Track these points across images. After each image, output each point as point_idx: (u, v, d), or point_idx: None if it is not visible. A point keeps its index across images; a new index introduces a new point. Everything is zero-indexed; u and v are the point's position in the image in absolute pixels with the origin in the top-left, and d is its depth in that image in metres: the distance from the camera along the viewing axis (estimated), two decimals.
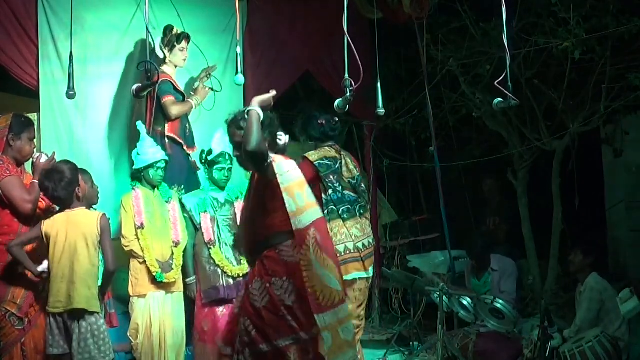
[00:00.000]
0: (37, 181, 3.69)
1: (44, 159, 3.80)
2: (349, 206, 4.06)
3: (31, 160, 3.88)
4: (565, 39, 5.16)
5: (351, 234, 3.99)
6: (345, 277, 3.62)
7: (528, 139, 6.19)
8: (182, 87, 5.08)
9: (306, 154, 4.14)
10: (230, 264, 4.45)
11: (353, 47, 3.40)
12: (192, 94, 5.05)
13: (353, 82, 3.47)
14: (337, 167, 4.12)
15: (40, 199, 3.76)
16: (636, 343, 4.62)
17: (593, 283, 4.69)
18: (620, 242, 6.38)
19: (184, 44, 4.95)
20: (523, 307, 5.70)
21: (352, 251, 3.97)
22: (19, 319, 3.67)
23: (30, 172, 3.89)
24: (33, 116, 4.75)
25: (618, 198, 6.46)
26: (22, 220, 3.69)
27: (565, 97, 5.73)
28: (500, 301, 4.65)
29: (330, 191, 4.03)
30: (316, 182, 3.98)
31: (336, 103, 3.57)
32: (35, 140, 3.92)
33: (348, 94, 3.47)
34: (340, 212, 4.01)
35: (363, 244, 4.03)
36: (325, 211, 3.89)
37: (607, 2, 5.16)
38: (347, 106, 3.55)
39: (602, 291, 4.66)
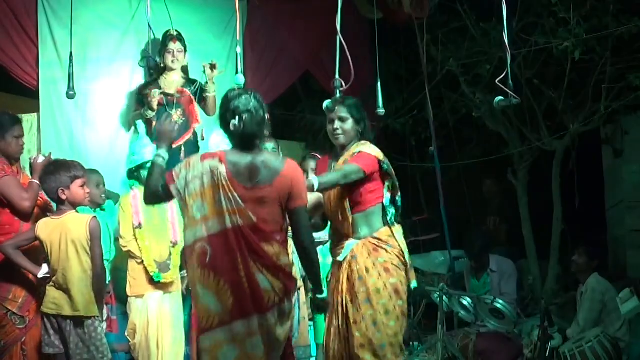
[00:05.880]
0: (35, 181, 3.69)
1: (41, 159, 3.80)
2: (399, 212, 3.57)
3: (29, 161, 3.88)
4: (565, 39, 5.17)
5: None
6: (414, 285, 3.41)
7: (528, 139, 6.19)
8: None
9: (365, 146, 3.42)
10: None
11: (346, 48, 3.37)
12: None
13: (343, 83, 3.41)
14: (389, 166, 3.49)
15: (39, 197, 3.76)
16: (636, 343, 4.62)
17: (595, 284, 4.69)
18: (620, 242, 6.38)
19: (171, 45, 4.92)
20: (523, 307, 5.70)
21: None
22: (20, 317, 3.67)
23: (28, 173, 3.89)
24: (33, 116, 4.76)
25: (618, 198, 6.46)
26: (22, 219, 3.70)
27: (565, 97, 5.73)
28: (500, 301, 4.64)
29: (399, 193, 3.46)
30: (376, 177, 3.41)
31: (325, 104, 3.45)
32: (34, 139, 3.92)
33: (338, 94, 3.39)
34: (397, 217, 3.45)
35: None
36: (391, 214, 3.39)
37: (607, 2, 5.16)
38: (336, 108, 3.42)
39: (604, 292, 4.66)
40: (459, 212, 6.74)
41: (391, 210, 3.37)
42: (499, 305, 4.59)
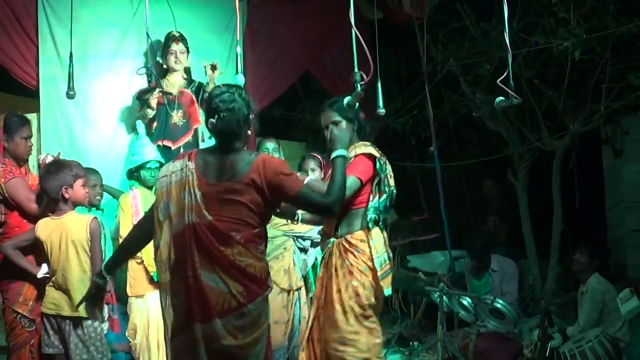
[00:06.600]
0: None
1: (49, 159, 3.82)
2: (386, 217, 3.46)
3: (37, 161, 3.89)
4: (565, 39, 5.17)
5: (386, 243, 3.40)
6: (387, 292, 3.32)
7: (528, 139, 6.20)
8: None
9: (364, 148, 3.37)
10: None
11: (362, 40, 3.25)
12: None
13: (364, 75, 3.19)
14: (388, 169, 3.43)
15: None
16: (636, 343, 4.62)
17: (595, 284, 4.69)
18: (620, 242, 6.38)
19: (173, 46, 4.93)
20: (523, 307, 5.69)
21: (389, 262, 3.39)
22: (30, 320, 3.68)
23: (36, 173, 3.89)
24: (33, 116, 4.76)
25: (618, 198, 6.47)
26: (31, 220, 3.70)
27: (565, 97, 5.73)
28: (500, 301, 4.64)
29: (385, 196, 3.36)
30: (368, 182, 3.36)
31: (346, 100, 3.34)
32: (34, 139, 3.92)
33: (359, 88, 3.20)
34: (382, 222, 3.38)
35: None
36: (373, 216, 3.32)
37: (607, 2, 5.16)
38: (358, 103, 3.35)
39: (605, 292, 4.66)
40: (459, 212, 6.75)
41: (371, 214, 3.30)
42: (499, 305, 4.59)
